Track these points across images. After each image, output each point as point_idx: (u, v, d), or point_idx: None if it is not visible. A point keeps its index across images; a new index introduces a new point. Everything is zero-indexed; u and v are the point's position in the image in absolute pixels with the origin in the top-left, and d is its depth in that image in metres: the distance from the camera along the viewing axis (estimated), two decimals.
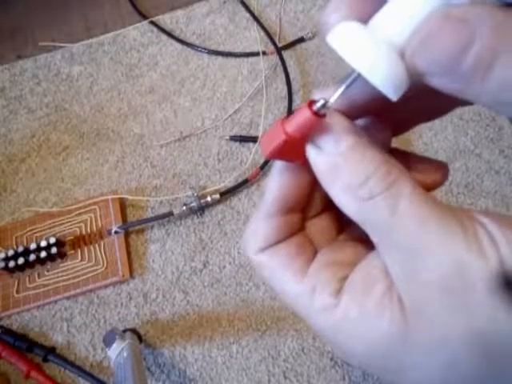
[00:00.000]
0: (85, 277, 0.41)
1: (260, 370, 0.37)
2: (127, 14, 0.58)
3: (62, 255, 0.42)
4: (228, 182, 0.44)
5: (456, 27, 0.12)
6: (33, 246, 0.41)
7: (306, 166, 0.15)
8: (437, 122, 0.46)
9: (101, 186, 0.46)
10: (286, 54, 0.52)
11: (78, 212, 0.44)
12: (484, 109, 0.46)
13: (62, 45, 0.56)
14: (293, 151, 0.15)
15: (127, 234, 0.43)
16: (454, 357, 0.13)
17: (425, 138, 0.45)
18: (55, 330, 0.40)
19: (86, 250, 0.42)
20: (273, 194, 0.16)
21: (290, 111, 0.48)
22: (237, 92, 0.50)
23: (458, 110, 0.46)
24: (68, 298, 0.41)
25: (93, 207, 0.44)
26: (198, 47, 0.53)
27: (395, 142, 0.18)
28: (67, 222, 0.43)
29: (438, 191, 0.43)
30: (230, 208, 0.44)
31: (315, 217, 0.18)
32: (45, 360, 0.37)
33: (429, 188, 0.16)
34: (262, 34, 0.53)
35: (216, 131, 0.48)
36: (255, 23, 0.54)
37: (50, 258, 0.41)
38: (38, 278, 0.41)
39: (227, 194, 0.43)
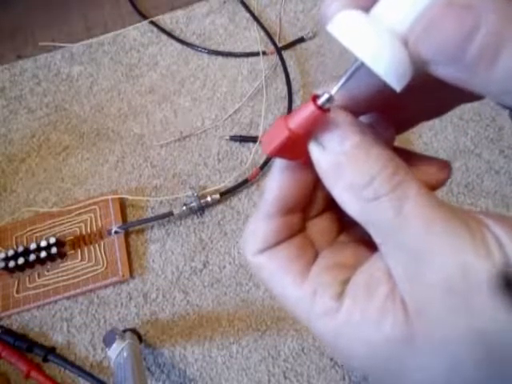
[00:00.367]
0: (85, 277, 0.41)
1: (260, 370, 0.37)
2: (127, 13, 0.58)
3: (62, 255, 0.42)
4: (228, 182, 0.44)
5: (460, 14, 0.11)
6: (33, 246, 0.41)
7: (307, 164, 0.15)
8: (437, 122, 0.46)
9: (101, 186, 0.46)
10: (286, 54, 0.52)
11: (77, 212, 0.44)
12: (484, 109, 0.46)
13: (62, 45, 0.56)
14: (295, 149, 0.14)
15: (127, 234, 0.43)
16: (458, 358, 0.13)
17: (425, 138, 0.45)
18: (55, 330, 0.40)
19: (85, 249, 0.42)
20: (273, 193, 0.16)
21: (290, 111, 0.48)
22: (237, 92, 0.50)
23: (458, 110, 0.46)
24: (68, 298, 0.41)
25: (93, 207, 0.44)
26: (198, 47, 0.53)
27: (395, 142, 0.18)
28: (67, 222, 0.43)
29: (439, 191, 0.43)
30: (230, 208, 0.43)
31: (316, 217, 0.18)
32: (45, 360, 0.37)
33: (432, 187, 0.16)
34: (262, 34, 0.53)
35: (216, 131, 0.48)
36: (255, 23, 0.54)
37: (50, 257, 0.41)
38: (38, 277, 0.41)
39: (227, 193, 0.43)
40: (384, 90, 0.13)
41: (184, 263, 0.41)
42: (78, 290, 0.40)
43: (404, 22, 0.12)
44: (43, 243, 0.41)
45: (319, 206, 0.17)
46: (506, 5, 0.11)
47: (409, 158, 0.16)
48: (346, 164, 0.14)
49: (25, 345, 0.38)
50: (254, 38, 0.53)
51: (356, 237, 0.17)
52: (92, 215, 0.43)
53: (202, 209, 0.43)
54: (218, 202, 0.44)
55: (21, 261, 0.40)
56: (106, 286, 0.41)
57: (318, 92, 0.14)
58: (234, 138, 0.47)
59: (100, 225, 0.43)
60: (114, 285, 0.41)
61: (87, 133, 0.49)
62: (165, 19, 0.56)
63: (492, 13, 0.11)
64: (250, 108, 0.49)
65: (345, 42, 0.13)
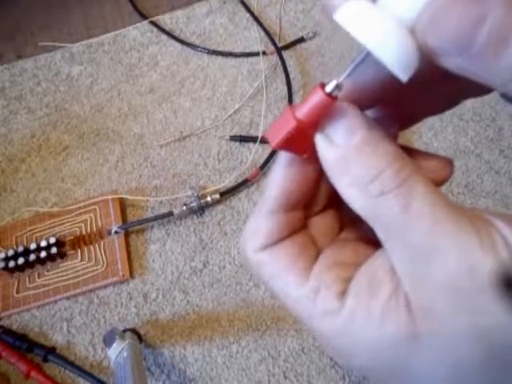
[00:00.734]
0: (85, 277, 0.41)
1: (260, 370, 0.37)
2: (127, 13, 0.58)
3: (62, 255, 0.42)
4: (228, 182, 0.44)
5: (467, 3, 0.11)
6: (33, 246, 0.41)
7: (312, 159, 0.15)
8: (437, 122, 0.46)
9: (101, 186, 0.46)
10: (286, 54, 0.52)
11: (78, 212, 0.44)
12: (484, 109, 0.46)
13: (62, 45, 0.56)
14: (301, 142, 0.14)
15: (127, 234, 0.43)
16: (463, 357, 0.13)
17: (425, 138, 0.45)
18: (55, 330, 0.40)
19: (85, 249, 0.42)
20: (277, 188, 0.16)
21: None
22: (237, 92, 0.50)
23: (458, 110, 0.46)
24: (68, 298, 0.41)
25: (93, 207, 0.44)
26: (198, 47, 0.53)
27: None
28: (67, 222, 0.43)
29: None
30: (230, 208, 0.43)
31: (317, 215, 0.17)
32: (45, 360, 0.37)
33: (435, 185, 0.16)
34: (262, 34, 0.53)
35: (216, 131, 0.48)
36: (255, 23, 0.54)
37: (50, 258, 0.41)
38: (38, 277, 0.41)
39: (227, 193, 0.43)
40: (389, 82, 0.13)
41: (184, 263, 0.41)
42: (78, 290, 0.40)
43: (411, 12, 0.12)
44: (43, 243, 0.41)
45: (321, 203, 0.17)
46: None
47: (411, 155, 0.16)
48: (352, 158, 0.13)
49: (25, 345, 0.38)
50: (253, 38, 0.53)
51: (357, 235, 0.17)
52: (92, 215, 0.43)
53: (201, 209, 0.43)
54: (218, 201, 0.44)
55: (21, 261, 0.40)
56: (105, 286, 0.41)
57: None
58: (234, 138, 0.47)
59: (100, 225, 0.43)
60: (114, 285, 0.41)
61: (87, 133, 0.49)
62: (165, 19, 0.56)
63: (499, 1, 0.11)
64: (249, 108, 0.49)
65: (352, 30, 0.12)
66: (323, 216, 0.18)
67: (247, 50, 0.52)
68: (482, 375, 0.13)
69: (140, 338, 0.37)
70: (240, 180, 0.44)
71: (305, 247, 0.16)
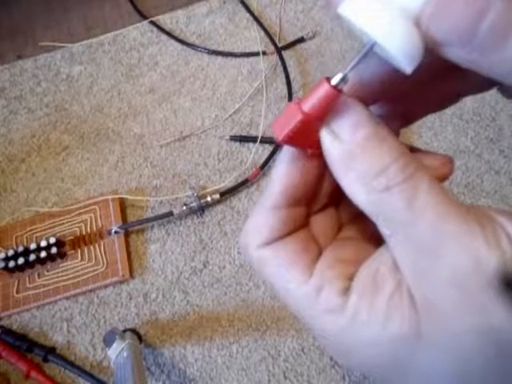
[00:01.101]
0: (85, 277, 0.41)
1: (260, 370, 0.37)
2: (127, 14, 0.58)
3: (62, 255, 0.42)
4: (228, 181, 0.44)
5: None
6: (33, 246, 0.41)
7: (316, 155, 0.15)
8: (437, 121, 0.46)
9: (101, 186, 0.46)
10: (286, 54, 0.52)
11: (78, 212, 0.44)
12: (484, 109, 0.46)
13: (62, 45, 0.56)
14: (305, 136, 0.14)
15: (127, 234, 0.43)
16: (468, 354, 0.12)
17: (425, 138, 0.45)
18: (55, 330, 0.40)
19: (85, 250, 0.42)
20: (281, 183, 0.15)
21: None
22: (237, 92, 0.50)
23: (458, 110, 0.46)
24: (68, 298, 0.41)
25: (93, 207, 0.44)
26: (198, 47, 0.53)
27: None
28: (67, 222, 0.43)
29: None
30: (230, 208, 0.43)
31: (317, 213, 0.17)
32: (45, 360, 0.37)
33: None
34: (262, 34, 0.53)
35: (216, 131, 0.48)
36: (255, 23, 0.54)
37: (50, 258, 0.41)
38: (38, 277, 0.41)
39: (227, 193, 0.43)
40: (392, 78, 0.13)
41: (184, 263, 0.41)
42: (78, 290, 0.40)
43: (415, 3, 0.12)
44: (43, 243, 0.41)
45: (321, 201, 0.17)
46: None
47: (412, 153, 0.16)
48: (358, 153, 0.13)
49: (25, 345, 0.38)
50: (253, 38, 0.53)
51: (356, 234, 0.17)
52: (92, 215, 0.43)
53: (201, 209, 0.43)
54: (218, 202, 0.44)
55: (21, 261, 0.40)
56: (105, 286, 0.41)
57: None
58: (234, 138, 0.47)
59: (100, 225, 0.43)
60: (114, 285, 0.41)
61: (87, 133, 0.49)
62: (165, 19, 0.56)
63: None
64: (249, 108, 0.49)
65: (357, 21, 0.13)
66: (324, 214, 0.18)
67: (247, 50, 0.52)
68: (486, 371, 0.13)
69: (140, 338, 0.37)
70: (240, 180, 0.44)
71: (307, 244, 0.16)
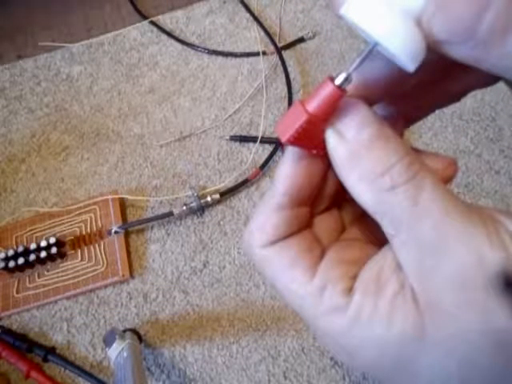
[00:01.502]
0: (85, 277, 0.41)
1: (260, 370, 0.37)
2: (127, 14, 0.58)
3: (62, 255, 0.42)
4: (228, 181, 0.44)
5: None
6: (33, 246, 0.41)
7: (320, 156, 0.15)
8: (437, 122, 0.46)
9: (101, 186, 0.46)
10: (286, 54, 0.52)
11: (78, 212, 0.44)
12: (484, 109, 0.46)
13: (62, 45, 0.56)
14: (310, 136, 0.14)
15: (127, 234, 0.43)
16: (472, 354, 0.12)
17: (425, 138, 0.45)
18: (55, 330, 0.40)
19: (85, 250, 0.42)
20: (285, 183, 0.15)
21: None
22: (237, 92, 0.50)
23: (458, 110, 0.46)
24: (68, 298, 0.41)
25: (93, 207, 0.44)
26: (197, 47, 0.53)
27: None
28: (67, 222, 0.43)
29: None
30: (230, 208, 0.44)
31: (321, 214, 0.17)
32: (45, 360, 0.37)
33: None
34: (262, 34, 0.53)
35: (216, 131, 0.48)
36: (255, 23, 0.54)
37: (50, 258, 0.41)
38: (38, 277, 0.41)
39: (227, 193, 0.43)
40: (395, 77, 0.13)
41: (184, 263, 0.41)
42: (78, 290, 0.40)
43: (417, 3, 0.12)
44: (43, 243, 0.41)
45: (325, 202, 0.17)
46: None
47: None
48: (363, 153, 0.14)
49: (25, 345, 0.38)
50: (254, 38, 0.53)
51: (359, 235, 0.17)
52: (92, 215, 0.43)
53: (201, 209, 0.43)
54: (218, 202, 0.44)
55: (21, 261, 0.40)
56: (105, 286, 0.41)
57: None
58: (234, 138, 0.47)
59: (100, 225, 0.43)
60: (114, 285, 0.41)
61: (87, 133, 0.49)
62: (165, 19, 0.56)
63: None
64: (249, 108, 0.49)
65: (359, 22, 0.13)
66: (327, 215, 0.18)
67: (247, 50, 0.52)
68: (489, 370, 0.13)
69: (140, 338, 0.37)
70: (240, 180, 0.44)
71: (311, 245, 0.16)
